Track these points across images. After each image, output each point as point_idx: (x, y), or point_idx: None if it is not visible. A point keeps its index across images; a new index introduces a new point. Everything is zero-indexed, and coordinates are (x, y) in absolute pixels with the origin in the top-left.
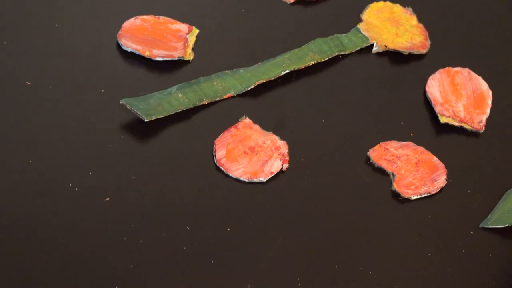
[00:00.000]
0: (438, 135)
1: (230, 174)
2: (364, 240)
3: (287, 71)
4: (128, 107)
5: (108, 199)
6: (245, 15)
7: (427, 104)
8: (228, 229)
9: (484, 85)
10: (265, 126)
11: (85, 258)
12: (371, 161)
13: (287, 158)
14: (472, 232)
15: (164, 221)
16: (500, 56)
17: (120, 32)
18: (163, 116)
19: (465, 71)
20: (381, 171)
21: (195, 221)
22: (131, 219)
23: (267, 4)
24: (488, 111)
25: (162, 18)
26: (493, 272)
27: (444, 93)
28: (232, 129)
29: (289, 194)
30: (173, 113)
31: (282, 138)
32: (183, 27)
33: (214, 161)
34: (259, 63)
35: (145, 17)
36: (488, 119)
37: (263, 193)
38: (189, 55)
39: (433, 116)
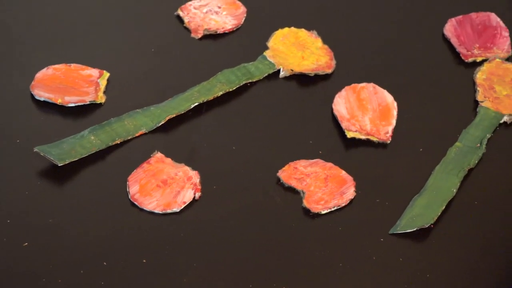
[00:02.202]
0: (346, 150)
1: (144, 208)
2: (278, 258)
3: (197, 104)
4: (42, 154)
5: (26, 244)
6: (155, 54)
7: (335, 121)
8: (144, 261)
9: (389, 97)
10: (177, 159)
11: None
12: (281, 181)
13: (199, 187)
14: (382, 239)
15: (82, 260)
16: (403, 69)
17: (33, 83)
18: (77, 159)
19: (370, 86)
20: (292, 190)
21: (112, 256)
22: (50, 261)
23: (176, 41)
24: (394, 121)
25: (73, 65)
26: (405, 276)
27: (351, 109)
28: (145, 165)
29: (203, 221)
30: (87, 155)
31: (194, 168)
32: (94, 72)
33: (128, 197)
34: (170, 99)
35: (56, 66)
36: (394, 130)
37: (177, 223)
38: (101, 98)
39: (341, 132)
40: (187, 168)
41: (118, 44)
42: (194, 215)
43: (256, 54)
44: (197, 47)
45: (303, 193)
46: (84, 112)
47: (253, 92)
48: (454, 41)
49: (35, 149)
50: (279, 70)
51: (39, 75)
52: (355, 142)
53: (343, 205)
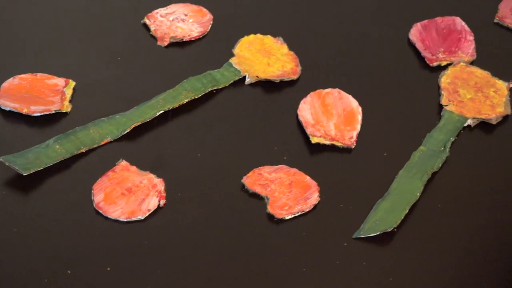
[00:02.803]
0: (311, 155)
1: (109, 216)
2: (242, 264)
3: (162, 112)
4: (7, 164)
5: None
6: (121, 62)
7: (300, 127)
8: (108, 269)
9: (354, 103)
10: (143, 167)
11: None
12: (245, 187)
13: (164, 195)
14: (345, 244)
15: (46, 269)
16: (368, 74)
17: None
18: (42, 168)
19: (335, 91)
20: (256, 196)
21: (76, 265)
22: (13, 271)
23: (143, 49)
24: (358, 126)
25: (39, 75)
26: (368, 279)
27: (315, 114)
28: (110, 173)
29: (168, 229)
30: (52, 164)
31: (159, 176)
32: (59, 81)
33: (93, 206)
34: (135, 107)
35: (23, 76)
36: (359, 134)
37: (142, 230)
38: (67, 107)
39: (306, 138)
40: (152, 176)
41: (84, 52)
42: (158, 222)
43: (222, 61)
44: (164, 55)
45: (268, 199)
46: (50, 121)
47: (219, 99)
48: (419, 45)
49: (0, 159)
50: (244, 77)
51: (5, 84)
52: (320, 147)
53: (307, 210)
